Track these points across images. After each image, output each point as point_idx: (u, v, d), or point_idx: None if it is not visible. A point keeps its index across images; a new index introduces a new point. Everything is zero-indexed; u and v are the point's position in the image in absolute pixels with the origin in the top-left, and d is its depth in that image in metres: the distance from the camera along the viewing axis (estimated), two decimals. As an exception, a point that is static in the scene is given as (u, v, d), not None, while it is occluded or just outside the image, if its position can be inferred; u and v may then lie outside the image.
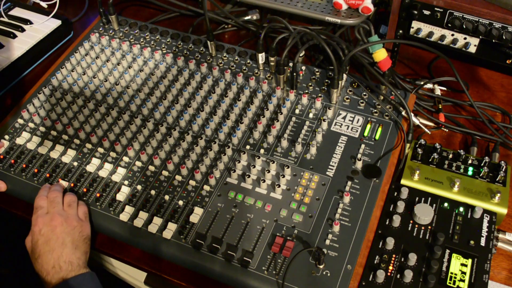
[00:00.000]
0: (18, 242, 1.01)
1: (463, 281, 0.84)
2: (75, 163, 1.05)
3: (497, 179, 0.95)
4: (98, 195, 0.99)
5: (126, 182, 1.01)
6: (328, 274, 0.85)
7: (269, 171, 0.98)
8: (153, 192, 0.98)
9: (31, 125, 1.12)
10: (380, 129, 1.05)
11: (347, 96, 1.11)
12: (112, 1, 1.26)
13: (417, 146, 1.01)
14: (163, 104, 1.11)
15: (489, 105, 1.15)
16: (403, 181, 0.98)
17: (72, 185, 1.01)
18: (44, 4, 1.52)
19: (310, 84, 1.14)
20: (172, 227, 0.93)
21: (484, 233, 0.89)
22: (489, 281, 0.84)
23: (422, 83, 1.19)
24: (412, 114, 1.05)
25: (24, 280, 1.49)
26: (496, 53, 1.10)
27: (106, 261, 1.11)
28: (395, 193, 0.96)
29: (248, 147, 1.04)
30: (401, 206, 0.93)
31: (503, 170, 0.96)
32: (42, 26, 1.40)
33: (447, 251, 0.87)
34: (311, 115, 1.08)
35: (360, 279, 0.85)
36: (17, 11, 1.47)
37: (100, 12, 1.30)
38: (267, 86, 1.14)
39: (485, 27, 1.04)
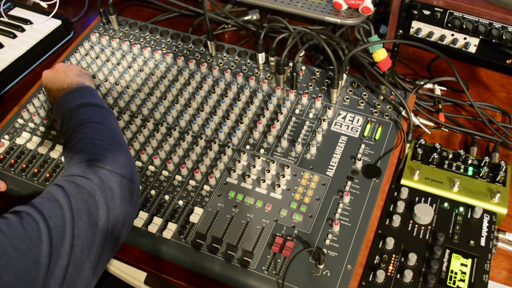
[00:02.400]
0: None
1: (463, 281, 0.84)
2: (75, 163, 1.04)
3: (497, 179, 0.95)
4: (98, 195, 0.99)
5: (126, 182, 1.01)
6: (328, 274, 0.85)
7: (269, 171, 0.98)
8: (153, 192, 0.98)
9: (31, 125, 1.12)
10: (380, 129, 1.05)
11: (347, 96, 1.11)
12: (112, 1, 1.26)
13: (417, 146, 1.01)
14: (163, 104, 1.11)
15: (489, 105, 1.15)
16: (403, 181, 0.98)
17: (72, 185, 1.01)
18: (44, 4, 1.52)
19: (310, 84, 1.14)
20: (172, 227, 0.93)
21: (484, 233, 0.89)
22: (489, 281, 0.84)
23: (422, 83, 1.19)
24: (412, 114, 1.05)
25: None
26: (496, 53, 1.10)
27: (106, 261, 1.11)
28: (395, 193, 0.96)
29: (248, 147, 1.04)
30: (401, 206, 0.93)
31: (503, 170, 0.96)
32: (42, 26, 1.40)
33: (447, 251, 0.88)
34: (311, 115, 1.08)
35: (360, 279, 0.85)
36: (17, 11, 1.47)
37: (100, 12, 1.30)
38: (267, 86, 1.14)
39: (485, 27, 1.04)
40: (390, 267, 0.86)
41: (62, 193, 0.72)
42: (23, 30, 1.39)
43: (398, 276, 0.85)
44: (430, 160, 0.99)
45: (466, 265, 0.86)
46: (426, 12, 1.08)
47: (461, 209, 0.93)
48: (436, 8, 1.06)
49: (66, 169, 0.84)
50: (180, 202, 0.97)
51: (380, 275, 0.84)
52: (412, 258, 0.85)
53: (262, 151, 1.03)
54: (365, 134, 1.04)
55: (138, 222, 0.94)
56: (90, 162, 0.79)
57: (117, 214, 0.76)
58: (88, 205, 0.73)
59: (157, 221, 0.94)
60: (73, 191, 0.73)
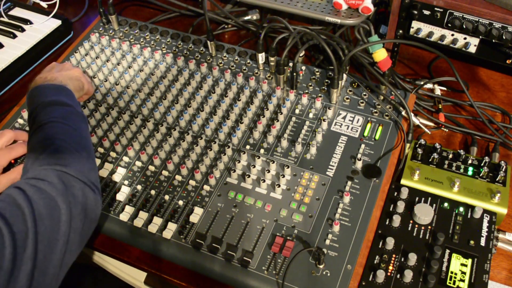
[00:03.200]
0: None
1: (463, 281, 0.84)
2: (75, 163, 1.04)
3: (497, 179, 0.95)
4: (98, 195, 0.99)
5: (126, 182, 1.01)
6: (328, 274, 0.85)
7: (269, 171, 0.98)
8: (153, 192, 0.98)
9: (31, 125, 1.12)
10: (380, 129, 1.05)
11: (347, 96, 1.11)
12: (112, 1, 1.26)
13: (417, 146, 1.01)
14: (163, 104, 1.11)
15: (489, 105, 1.15)
16: (403, 181, 0.98)
17: (72, 185, 1.01)
18: (44, 4, 1.52)
19: (310, 84, 1.14)
20: (172, 227, 0.93)
21: (484, 233, 0.89)
22: (489, 281, 0.84)
23: (422, 83, 1.19)
24: (412, 114, 1.05)
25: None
26: (496, 53, 1.10)
27: (106, 261, 1.11)
28: (395, 193, 0.96)
29: (248, 147, 1.04)
30: (401, 206, 0.93)
31: (503, 170, 0.96)
32: (42, 26, 1.40)
33: (447, 251, 0.87)
34: (311, 115, 1.08)
35: (360, 279, 0.85)
36: (17, 11, 1.47)
37: (100, 12, 1.30)
38: (267, 86, 1.14)
39: (485, 27, 1.04)
40: (390, 267, 0.86)
41: (23, 197, 0.72)
42: (23, 30, 1.39)
43: (398, 276, 0.85)
44: (430, 160, 0.99)
45: (466, 265, 0.86)
46: (426, 12, 1.08)
47: (461, 209, 0.93)
48: (436, 8, 1.06)
49: (29, 167, 0.83)
50: (180, 202, 0.96)
51: (380, 275, 0.84)
52: (412, 258, 0.85)
53: (262, 151, 1.03)
54: (365, 134, 1.04)
55: (138, 222, 0.94)
56: (55, 166, 0.79)
57: (78, 220, 0.76)
58: (50, 210, 0.72)
59: (157, 221, 0.94)
60: (35, 196, 0.72)
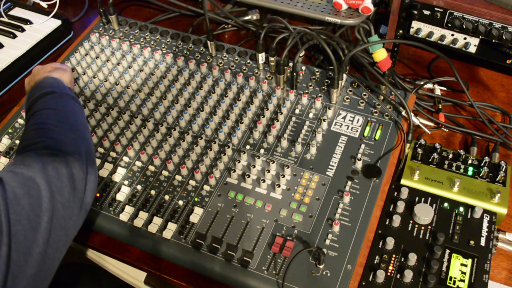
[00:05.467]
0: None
1: (463, 281, 0.84)
2: (75, 163, 1.04)
3: (497, 179, 0.95)
4: (98, 195, 0.99)
5: (126, 182, 1.01)
6: (328, 274, 0.85)
7: (269, 171, 0.98)
8: (153, 192, 0.98)
9: (31, 125, 1.12)
10: (380, 129, 1.05)
11: (347, 96, 1.11)
12: (112, 1, 1.26)
13: (417, 146, 1.01)
14: (163, 104, 1.11)
15: (489, 105, 1.15)
16: (403, 181, 0.98)
17: (72, 185, 1.01)
18: (44, 4, 1.52)
19: (310, 84, 1.14)
20: (172, 227, 0.93)
21: (484, 233, 0.89)
22: (489, 281, 0.84)
23: (422, 83, 1.19)
24: (412, 114, 1.05)
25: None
26: (496, 53, 1.10)
27: (106, 261, 1.11)
28: (395, 193, 0.96)
29: (248, 147, 1.04)
30: (401, 206, 0.93)
31: (503, 170, 0.96)
32: (42, 26, 1.40)
33: (447, 251, 0.87)
34: (311, 115, 1.08)
35: (360, 279, 0.85)
36: (17, 11, 1.47)
37: (100, 12, 1.30)
38: (267, 86, 1.14)
39: (485, 27, 1.04)
40: (390, 267, 0.86)
41: None
42: (23, 30, 1.39)
43: (398, 276, 0.85)
44: (430, 160, 0.99)
45: (466, 265, 0.86)
46: (426, 12, 1.08)
47: (461, 209, 0.93)
48: (436, 8, 1.06)
49: (14, 157, 0.85)
50: (180, 202, 0.96)
51: (380, 275, 0.84)
52: (412, 258, 0.85)
53: (262, 151, 1.03)
54: (365, 134, 1.04)
55: (138, 222, 0.94)
56: (31, 147, 0.80)
57: (66, 192, 0.75)
58: (27, 189, 0.71)
59: (157, 221, 0.94)
60: (9, 180, 0.71)
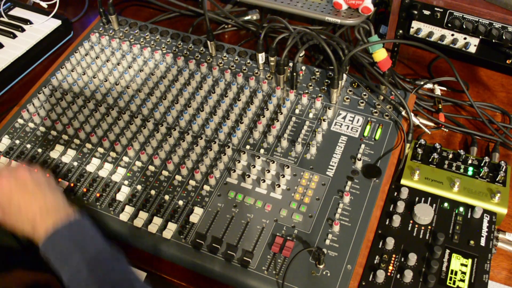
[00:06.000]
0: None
1: (463, 281, 0.84)
2: (75, 163, 1.05)
3: (497, 179, 0.95)
4: (98, 195, 0.99)
5: (126, 182, 1.01)
6: (328, 274, 0.85)
7: (269, 171, 0.98)
8: (153, 192, 0.98)
9: (31, 125, 1.12)
10: (380, 129, 1.05)
11: (347, 96, 1.11)
12: (112, 1, 1.26)
13: (417, 146, 1.01)
14: (163, 104, 1.11)
15: (489, 105, 1.15)
16: (403, 181, 0.98)
17: (72, 185, 1.01)
18: (44, 4, 1.52)
19: (310, 84, 1.14)
20: (172, 227, 0.93)
21: (484, 233, 0.89)
22: (489, 281, 0.84)
23: (422, 83, 1.19)
24: (412, 114, 1.05)
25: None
26: (496, 53, 1.10)
27: (106, 261, 1.11)
28: (395, 193, 0.96)
29: (248, 147, 1.04)
30: (401, 206, 0.93)
31: (503, 170, 0.96)
32: (42, 26, 1.40)
33: (447, 251, 0.88)
34: (311, 115, 1.08)
35: (360, 279, 0.85)
36: (17, 11, 1.46)
37: (100, 12, 1.30)
38: (267, 86, 1.14)
39: (485, 27, 1.04)
40: (390, 267, 0.86)
41: None
42: (23, 30, 1.39)
43: (398, 276, 0.85)
44: (430, 160, 0.99)
45: (466, 265, 0.86)
46: (426, 12, 1.08)
47: (461, 209, 0.93)
48: (436, 8, 1.06)
49: None
50: (180, 202, 0.96)
51: (380, 275, 0.84)
52: (412, 258, 0.85)
53: (262, 151, 1.03)
54: (365, 134, 1.04)
55: (138, 222, 0.94)
56: None
57: None
58: None
59: (157, 221, 0.94)
60: None
